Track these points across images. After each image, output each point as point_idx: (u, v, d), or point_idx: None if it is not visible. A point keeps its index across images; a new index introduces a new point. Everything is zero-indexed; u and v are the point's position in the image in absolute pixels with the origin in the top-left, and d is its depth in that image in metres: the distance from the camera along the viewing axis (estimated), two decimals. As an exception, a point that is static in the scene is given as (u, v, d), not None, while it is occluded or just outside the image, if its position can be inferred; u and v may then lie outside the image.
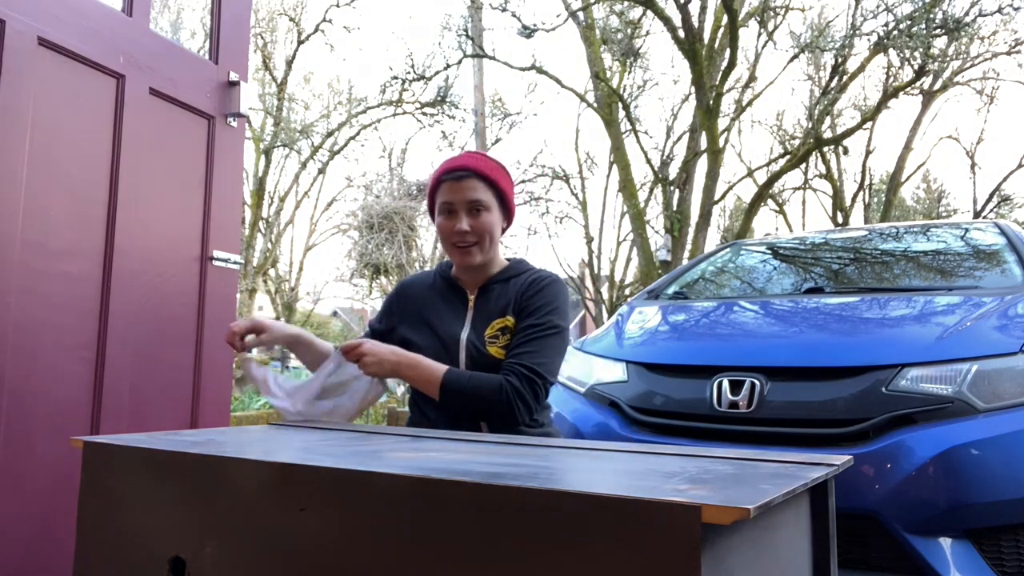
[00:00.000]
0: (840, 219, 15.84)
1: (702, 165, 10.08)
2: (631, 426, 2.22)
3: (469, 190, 1.61)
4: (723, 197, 13.04)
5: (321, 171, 17.01)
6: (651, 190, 13.54)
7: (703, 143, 10.13)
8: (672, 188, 10.65)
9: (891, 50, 8.95)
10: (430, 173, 1.72)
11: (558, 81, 11.20)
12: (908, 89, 10.07)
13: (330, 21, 15.07)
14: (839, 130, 13.11)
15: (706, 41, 9.92)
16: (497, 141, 16.05)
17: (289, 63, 15.98)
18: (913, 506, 1.77)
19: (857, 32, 9.37)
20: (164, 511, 0.91)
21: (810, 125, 10.45)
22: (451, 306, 1.68)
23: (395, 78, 11.41)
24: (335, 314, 26.06)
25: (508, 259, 1.76)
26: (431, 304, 1.70)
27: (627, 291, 15.26)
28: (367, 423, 7.84)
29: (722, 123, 10.53)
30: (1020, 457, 1.77)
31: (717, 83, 9.18)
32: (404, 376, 1.52)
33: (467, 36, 11.05)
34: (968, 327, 2.05)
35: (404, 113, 15.45)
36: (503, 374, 1.53)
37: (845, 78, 11.58)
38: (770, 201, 16.01)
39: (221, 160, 2.16)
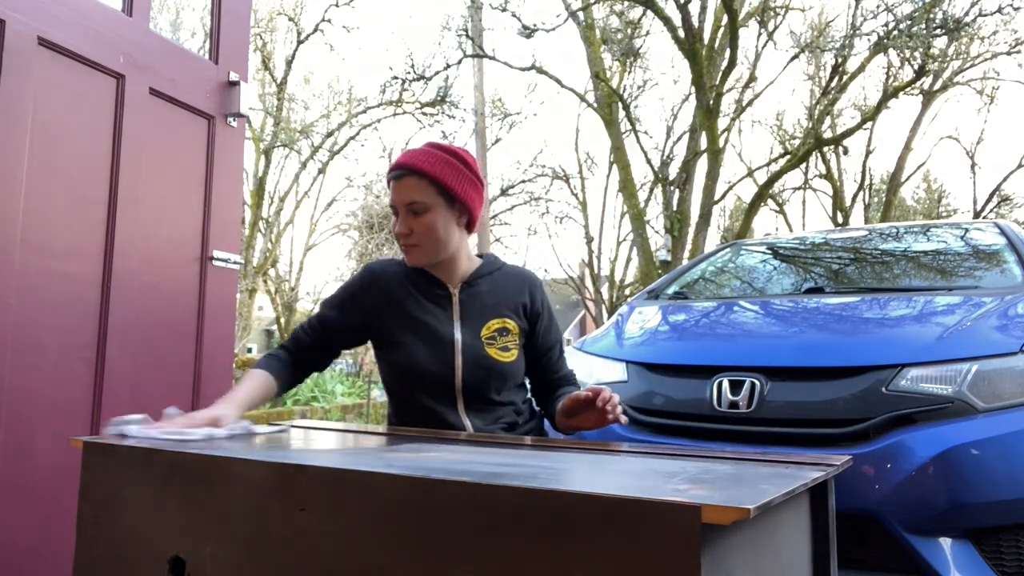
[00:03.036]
0: (840, 219, 15.84)
1: (702, 165, 10.08)
2: (631, 426, 2.21)
3: (405, 190, 1.50)
4: (723, 197, 13.05)
5: (321, 171, 17.01)
6: (651, 190, 13.54)
7: (703, 143, 10.13)
8: (672, 188, 10.65)
9: (891, 50, 8.95)
10: None
11: (558, 81, 11.20)
12: (908, 89, 10.07)
13: (329, 21, 15.06)
14: (839, 130, 13.10)
15: (706, 41, 9.92)
16: (497, 141, 16.05)
17: (289, 63, 15.97)
18: (913, 506, 1.76)
19: (857, 32, 9.38)
20: (164, 511, 0.91)
21: (810, 125, 10.45)
22: (434, 302, 1.57)
23: (395, 78, 11.41)
24: (335, 314, 25.96)
25: (479, 255, 1.68)
26: (412, 299, 1.57)
27: (627, 291, 15.26)
28: (367, 423, 7.84)
29: (722, 123, 10.52)
30: (1020, 457, 1.77)
31: (717, 83, 9.19)
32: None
33: (467, 36, 11.05)
34: (968, 327, 2.05)
35: (404, 113, 15.45)
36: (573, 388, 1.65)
37: (845, 78, 11.59)
38: (770, 201, 16.02)
39: (221, 160, 2.16)
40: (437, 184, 1.50)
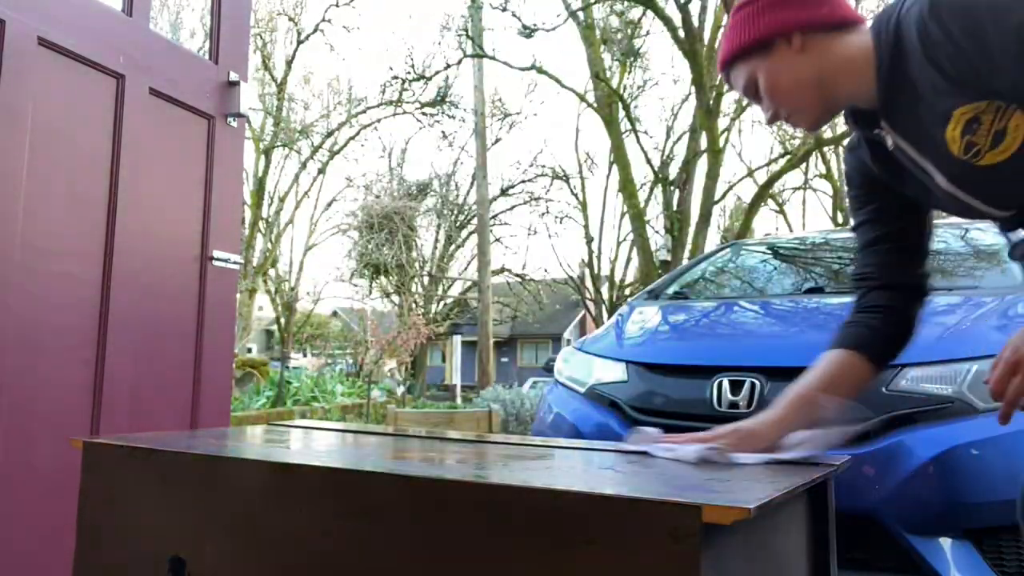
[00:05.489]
0: (840, 219, 15.85)
1: (702, 165, 10.09)
2: (631, 426, 2.21)
3: (736, 87, 1.27)
4: (723, 197, 13.06)
5: (321, 171, 17.03)
6: (651, 190, 13.55)
7: (703, 143, 10.13)
8: (672, 188, 10.67)
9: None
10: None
11: (558, 81, 11.22)
12: (908, 89, 10.06)
13: (329, 21, 15.09)
14: (839, 130, 13.10)
15: (706, 41, 9.92)
16: (497, 141, 16.08)
17: (289, 63, 15.97)
18: (913, 506, 1.76)
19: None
20: (164, 511, 0.91)
21: (810, 125, 10.44)
22: (884, 161, 1.26)
23: (395, 78, 11.45)
24: (335, 314, 26.04)
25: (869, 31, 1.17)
26: (889, 166, 1.26)
27: (627, 291, 15.27)
28: (367, 423, 7.84)
29: (722, 123, 10.54)
30: (1020, 457, 1.77)
31: (717, 83, 9.19)
32: None
33: (467, 36, 11.07)
34: (968, 327, 2.05)
35: (404, 113, 15.47)
36: None
37: (845, 78, 11.57)
38: (770, 201, 16.02)
39: (221, 160, 2.16)
40: (743, 55, 1.23)
